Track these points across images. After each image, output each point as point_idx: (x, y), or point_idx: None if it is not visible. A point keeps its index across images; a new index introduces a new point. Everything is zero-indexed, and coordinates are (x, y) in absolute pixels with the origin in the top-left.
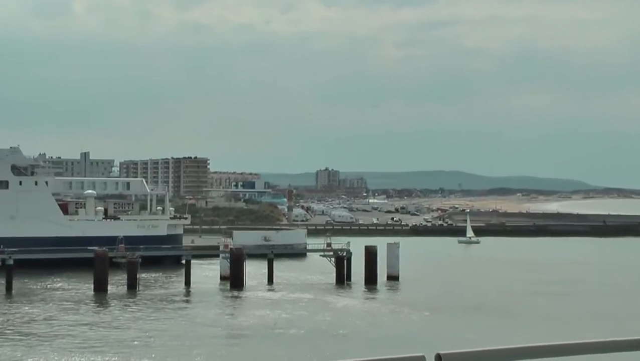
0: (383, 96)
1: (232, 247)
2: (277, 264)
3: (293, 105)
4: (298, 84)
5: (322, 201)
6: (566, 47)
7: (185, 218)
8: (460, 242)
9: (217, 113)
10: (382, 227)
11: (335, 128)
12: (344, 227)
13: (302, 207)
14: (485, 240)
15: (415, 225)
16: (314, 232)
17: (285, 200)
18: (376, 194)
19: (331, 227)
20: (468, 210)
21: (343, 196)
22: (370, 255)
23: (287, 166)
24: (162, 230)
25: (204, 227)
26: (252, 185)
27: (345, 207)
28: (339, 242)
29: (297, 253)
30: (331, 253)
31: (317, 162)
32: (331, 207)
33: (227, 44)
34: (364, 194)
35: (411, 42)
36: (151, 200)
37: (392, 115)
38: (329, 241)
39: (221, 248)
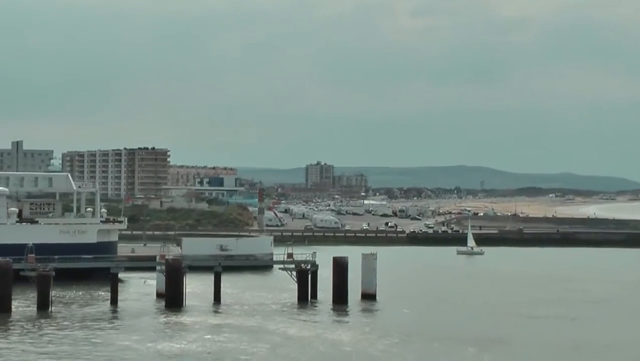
0: (396, 76)
1: (169, 257)
2: (234, 279)
3: (286, 87)
4: (294, 61)
5: (310, 202)
6: (624, 17)
7: (120, 222)
8: (459, 252)
9: (188, 95)
10: (373, 234)
11: (334, 114)
12: (326, 234)
13: (271, 209)
14: (492, 251)
15: (414, 231)
16: (288, 240)
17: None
18: (377, 194)
19: (310, 234)
20: (479, 213)
21: (336, 196)
22: (339, 268)
23: (274, 160)
24: (90, 237)
25: (155, 232)
26: (219, 182)
27: (333, 210)
28: (317, 252)
29: (260, 265)
30: (292, 265)
31: (311, 155)
32: (316, 209)
33: (209, 11)
34: (363, 194)
35: (430, 10)
36: (78, 200)
37: (404, 99)
38: (289, 251)
39: (158, 259)
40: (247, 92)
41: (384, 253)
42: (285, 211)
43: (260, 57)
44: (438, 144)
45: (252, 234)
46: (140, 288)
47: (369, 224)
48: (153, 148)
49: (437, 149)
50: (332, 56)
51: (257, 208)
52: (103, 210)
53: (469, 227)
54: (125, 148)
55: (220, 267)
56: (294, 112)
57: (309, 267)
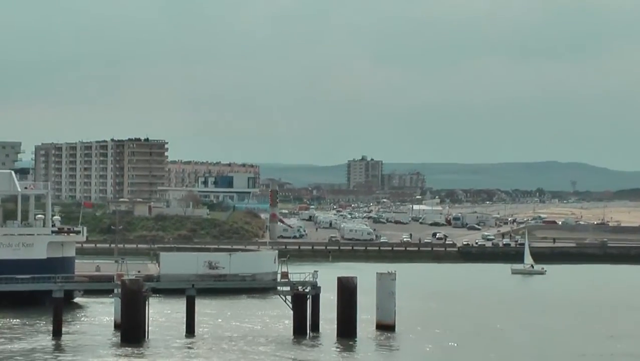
0: (464, 52)
1: (127, 277)
2: (223, 304)
3: (326, 66)
4: (336, 34)
5: (348, 206)
6: None
7: (77, 233)
8: (514, 271)
9: (200, 77)
10: (415, 248)
11: (386, 100)
12: (355, 247)
13: (275, 216)
14: (559, 269)
15: (467, 245)
16: (307, 256)
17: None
18: (437, 197)
19: (336, 247)
20: (559, 221)
21: (384, 199)
22: (346, 291)
23: (309, 155)
24: (38, 252)
25: (140, 245)
26: (228, 181)
27: (372, 217)
28: (330, 270)
29: (259, 287)
30: (287, 288)
31: (354, 149)
32: (348, 216)
33: None
34: (418, 197)
35: None
36: (25, 205)
37: (475, 80)
38: (284, 269)
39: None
40: (276, 73)
41: (421, 271)
42: (309, 219)
43: (294, 31)
44: (519, 136)
45: (252, 248)
46: (103, 315)
47: (411, 235)
48: (147, 140)
49: (518, 142)
50: (384, 28)
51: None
52: (56, 217)
53: (526, 240)
54: (112, 140)
55: (194, 290)
56: (335, 96)
57: (307, 289)
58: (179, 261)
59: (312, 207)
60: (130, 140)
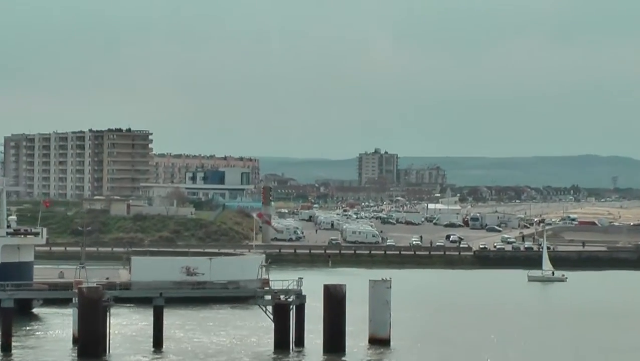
0: (493, 32)
1: (86, 285)
2: (200, 315)
3: (340, 49)
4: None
5: (357, 205)
6: None
7: (36, 234)
8: (531, 278)
9: (197, 60)
10: (425, 252)
11: (403, 86)
12: (358, 251)
13: (261, 216)
14: (583, 276)
15: (484, 248)
16: (304, 260)
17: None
18: (457, 195)
19: (336, 251)
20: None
21: (399, 197)
22: (334, 301)
23: (317, 148)
24: None
25: (116, 249)
26: (219, 177)
27: (381, 217)
28: (328, 277)
29: (243, 296)
30: (267, 297)
31: (367, 141)
32: (354, 216)
33: None
34: (437, 194)
35: None
36: None
37: (507, 63)
38: (265, 276)
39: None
40: (284, 57)
41: (429, 278)
42: (309, 219)
43: (303, 10)
44: (554, 127)
45: (237, 252)
46: (65, 328)
47: (421, 237)
48: (129, 130)
49: (552, 133)
50: (404, 7)
51: (266, 215)
52: (12, 217)
53: (544, 243)
54: (90, 130)
55: (162, 299)
56: (347, 82)
57: (291, 298)
58: (152, 266)
59: (315, 205)
60: (110, 130)
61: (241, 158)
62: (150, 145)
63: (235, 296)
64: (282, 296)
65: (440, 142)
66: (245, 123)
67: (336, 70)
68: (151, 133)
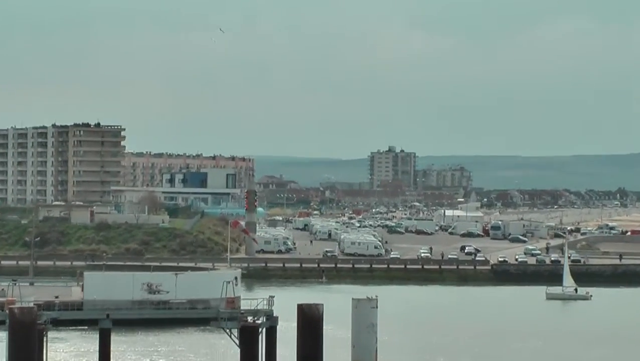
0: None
1: (19, 306)
2: (158, 339)
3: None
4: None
5: (365, 211)
6: None
7: None
8: (550, 296)
9: (181, 45)
10: (435, 266)
11: (421, 77)
12: (357, 265)
13: (236, 224)
14: (613, 294)
15: (504, 261)
16: (293, 275)
17: (261, 210)
18: (484, 200)
19: (332, 265)
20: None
21: (415, 203)
22: (308, 323)
23: (323, 147)
24: None
25: (76, 263)
26: (200, 179)
27: (386, 225)
28: (317, 294)
29: (206, 317)
30: (231, 320)
31: (380, 138)
32: (358, 225)
33: None
34: (460, 199)
35: None
36: None
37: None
38: (230, 295)
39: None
40: (284, 42)
41: (431, 296)
42: (304, 228)
43: None
44: (599, 121)
45: (212, 267)
46: None
47: (431, 249)
48: (98, 125)
49: (597, 129)
50: None
51: (257, 222)
52: None
53: (565, 255)
54: (54, 125)
55: (110, 321)
56: (357, 72)
57: (260, 320)
58: (108, 283)
59: (315, 213)
60: (76, 125)
61: (233, 158)
62: (122, 143)
63: (201, 317)
64: (250, 318)
65: (466, 139)
66: (239, 117)
67: (344, 57)
68: (124, 129)
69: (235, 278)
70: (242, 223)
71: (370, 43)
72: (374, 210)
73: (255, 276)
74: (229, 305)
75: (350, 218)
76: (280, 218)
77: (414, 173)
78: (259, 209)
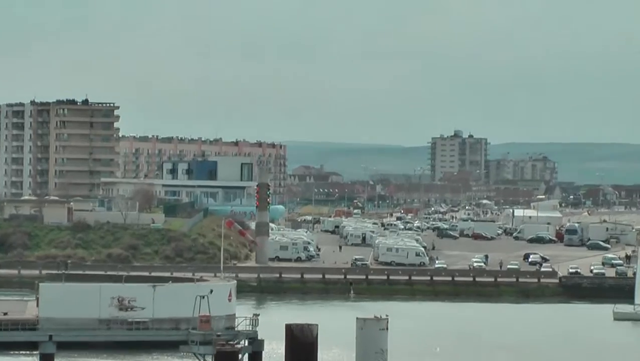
0: None
1: None
2: None
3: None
4: None
5: (420, 210)
6: None
7: None
8: (618, 316)
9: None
10: (491, 278)
11: (493, 48)
12: (392, 277)
13: (230, 224)
14: None
15: (576, 273)
16: (314, 288)
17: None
18: (571, 197)
19: (362, 276)
20: None
21: (485, 201)
22: (298, 347)
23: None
24: None
25: (46, 272)
26: (208, 169)
27: (436, 227)
28: (342, 313)
29: (182, 340)
30: (204, 344)
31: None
32: (402, 227)
33: None
34: (540, 196)
35: None
36: None
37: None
38: (205, 313)
39: None
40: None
41: (486, 315)
42: (334, 230)
43: None
44: None
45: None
46: None
47: (486, 257)
48: (86, 102)
49: None
50: None
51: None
52: None
53: (638, 265)
54: (32, 102)
55: (53, 345)
56: (417, 43)
57: (241, 344)
58: (68, 297)
59: (356, 211)
60: (59, 102)
61: (259, 144)
62: (115, 124)
63: (169, 340)
64: (224, 342)
65: (550, 122)
66: (269, 97)
67: (397, 27)
68: (117, 107)
69: (209, 291)
70: (252, 223)
71: (434, 11)
72: (432, 208)
73: (267, 289)
74: (203, 326)
75: (399, 218)
76: (311, 218)
77: (485, 163)
78: (278, 206)
